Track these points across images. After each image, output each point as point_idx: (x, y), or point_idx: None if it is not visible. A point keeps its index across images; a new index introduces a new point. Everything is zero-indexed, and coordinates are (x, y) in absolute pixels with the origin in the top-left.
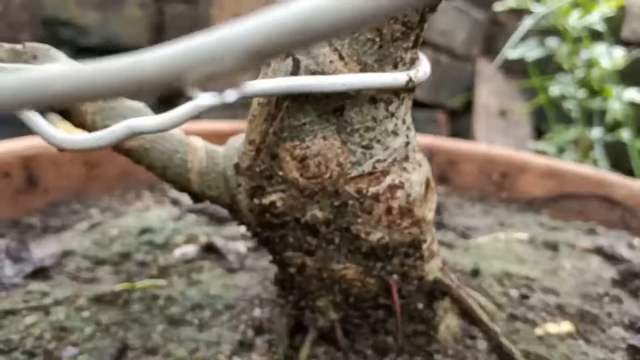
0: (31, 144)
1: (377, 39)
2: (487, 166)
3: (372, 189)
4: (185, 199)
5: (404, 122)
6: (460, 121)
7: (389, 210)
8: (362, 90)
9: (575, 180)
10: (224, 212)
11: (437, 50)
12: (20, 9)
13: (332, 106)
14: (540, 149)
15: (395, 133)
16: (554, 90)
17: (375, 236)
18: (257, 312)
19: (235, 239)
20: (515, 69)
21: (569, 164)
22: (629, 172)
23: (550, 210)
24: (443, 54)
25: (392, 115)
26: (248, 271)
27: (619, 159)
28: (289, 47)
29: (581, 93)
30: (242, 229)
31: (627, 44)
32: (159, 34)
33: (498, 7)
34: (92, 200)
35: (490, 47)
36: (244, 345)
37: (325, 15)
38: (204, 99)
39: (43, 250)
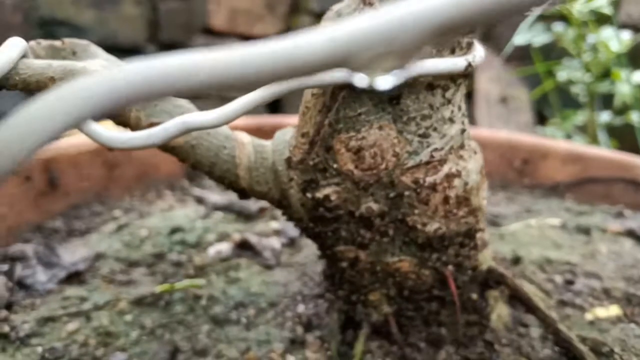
0: (50, 146)
1: None
2: (508, 153)
3: (429, 179)
4: (210, 197)
5: (459, 108)
6: None
7: (446, 200)
8: (420, 76)
9: (598, 163)
10: (252, 208)
11: None
12: (13, 10)
13: (388, 95)
14: (548, 134)
15: (451, 120)
16: (562, 75)
17: (432, 227)
18: (301, 308)
19: (268, 235)
20: (513, 56)
21: (591, 148)
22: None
23: (575, 195)
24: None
25: (449, 101)
26: (285, 267)
27: (625, 143)
28: (477, 21)
29: (588, 77)
30: (273, 224)
31: (622, 27)
32: (154, 31)
33: None
34: (113, 201)
35: (489, 34)
36: (296, 343)
37: None
38: (370, 82)
39: (73, 255)
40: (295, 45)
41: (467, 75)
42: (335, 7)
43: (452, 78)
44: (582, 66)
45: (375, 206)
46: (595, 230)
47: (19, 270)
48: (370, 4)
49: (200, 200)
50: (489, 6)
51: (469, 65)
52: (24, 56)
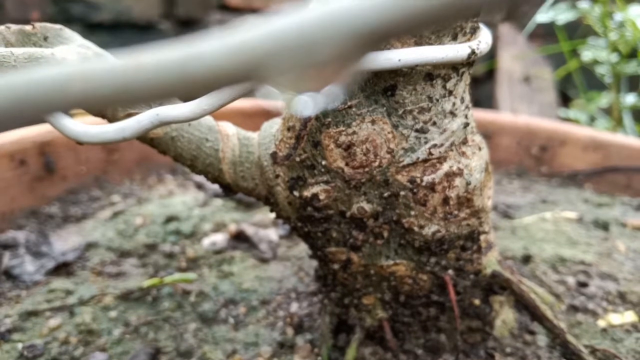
0: (45, 129)
1: None
2: (526, 139)
3: (427, 178)
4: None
5: (462, 100)
6: (482, 88)
7: (445, 201)
8: (418, 65)
9: (620, 152)
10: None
11: None
12: None
13: (382, 85)
14: (571, 117)
15: (453, 114)
16: (586, 55)
17: (430, 229)
18: (294, 307)
19: (265, 226)
20: (537, 34)
21: (613, 135)
22: None
23: (595, 185)
24: None
25: (450, 93)
26: (281, 261)
27: None
28: (411, 29)
29: (614, 57)
30: (273, 215)
31: None
32: (170, 8)
33: None
34: (112, 186)
35: (513, 12)
36: (285, 346)
37: None
38: (294, 103)
39: (65, 243)
40: (188, 56)
41: (471, 63)
42: None
43: (454, 67)
44: (607, 45)
45: (367, 206)
46: (614, 224)
47: (7, 260)
48: None
49: (200, 186)
50: (426, 9)
51: (473, 52)
52: None
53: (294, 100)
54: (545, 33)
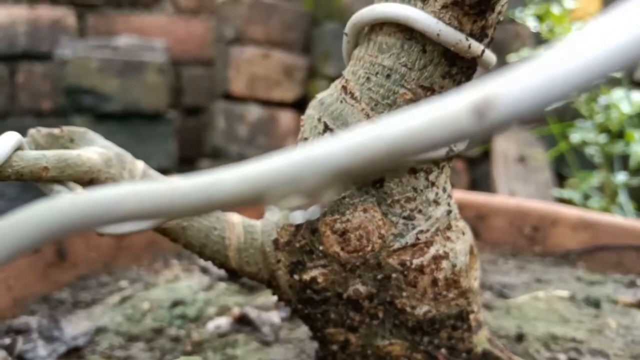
0: None
1: None
2: (518, 220)
3: (416, 261)
4: (215, 267)
5: (444, 190)
6: (479, 169)
7: (434, 282)
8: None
9: (609, 230)
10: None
11: None
12: (42, 79)
13: (372, 178)
14: (565, 196)
15: (436, 202)
16: (575, 137)
17: (422, 310)
18: None
19: (268, 309)
20: None
21: (601, 215)
22: None
23: (587, 263)
24: None
25: (433, 184)
26: (283, 344)
27: None
28: (377, 170)
29: (602, 138)
30: (275, 297)
31: (637, 85)
32: (177, 97)
33: (512, 58)
34: (120, 272)
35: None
36: None
37: (419, 139)
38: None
39: (75, 328)
40: (214, 182)
41: (450, 158)
42: (319, 96)
43: (435, 162)
44: (594, 127)
45: (362, 288)
46: (606, 301)
47: (20, 345)
48: (352, 95)
49: (205, 271)
50: (382, 156)
51: (451, 150)
52: (18, 148)
53: (290, 214)
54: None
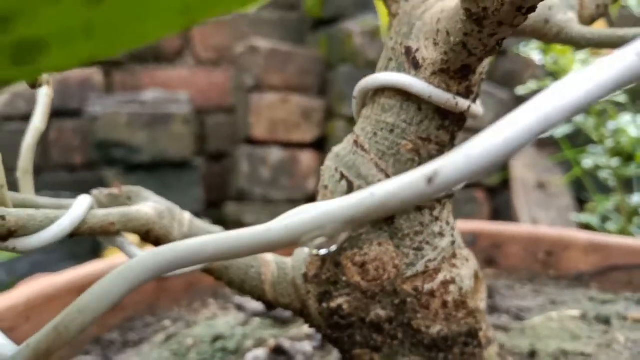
0: (108, 265)
1: (416, 158)
2: (532, 246)
3: (427, 286)
4: (249, 304)
5: (447, 223)
6: (499, 197)
7: (444, 304)
8: None
9: (619, 251)
10: (286, 314)
11: (468, 131)
12: (73, 134)
13: (384, 217)
14: (583, 220)
15: (441, 234)
16: (587, 162)
17: (435, 329)
18: None
19: (300, 339)
20: (546, 142)
21: (611, 237)
22: None
23: (599, 284)
24: (473, 135)
25: (437, 219)
26: None
27: None
28: (374, 219)
29: (614, 162)
30: (305, 328)
31: None
32: (201, 144)
33: (520, 91)
34: (163, 312)
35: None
36: None
37: (394, 197)
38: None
39: None
40: (266, 231)
41: (450, 196)
42: (335, 149)
43: (437, 199)
44: (605, 152)
45: (382, 312)
46: (615, 318)
47: None
48: (362, 147)
49: (240, 308)
50: (375, 209)
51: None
52: (91, 208)
53: (316, 250)
54: (554, 141)
